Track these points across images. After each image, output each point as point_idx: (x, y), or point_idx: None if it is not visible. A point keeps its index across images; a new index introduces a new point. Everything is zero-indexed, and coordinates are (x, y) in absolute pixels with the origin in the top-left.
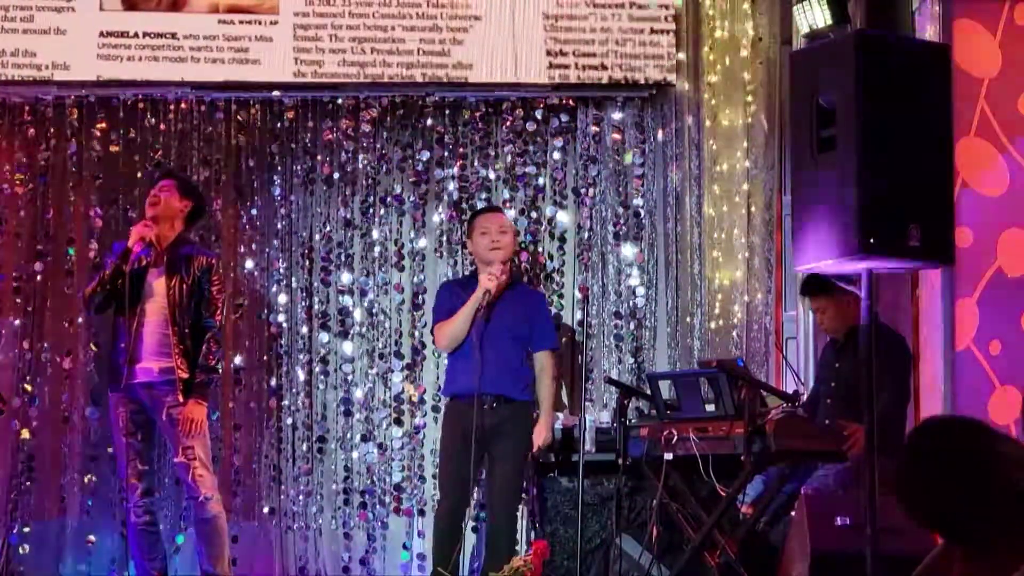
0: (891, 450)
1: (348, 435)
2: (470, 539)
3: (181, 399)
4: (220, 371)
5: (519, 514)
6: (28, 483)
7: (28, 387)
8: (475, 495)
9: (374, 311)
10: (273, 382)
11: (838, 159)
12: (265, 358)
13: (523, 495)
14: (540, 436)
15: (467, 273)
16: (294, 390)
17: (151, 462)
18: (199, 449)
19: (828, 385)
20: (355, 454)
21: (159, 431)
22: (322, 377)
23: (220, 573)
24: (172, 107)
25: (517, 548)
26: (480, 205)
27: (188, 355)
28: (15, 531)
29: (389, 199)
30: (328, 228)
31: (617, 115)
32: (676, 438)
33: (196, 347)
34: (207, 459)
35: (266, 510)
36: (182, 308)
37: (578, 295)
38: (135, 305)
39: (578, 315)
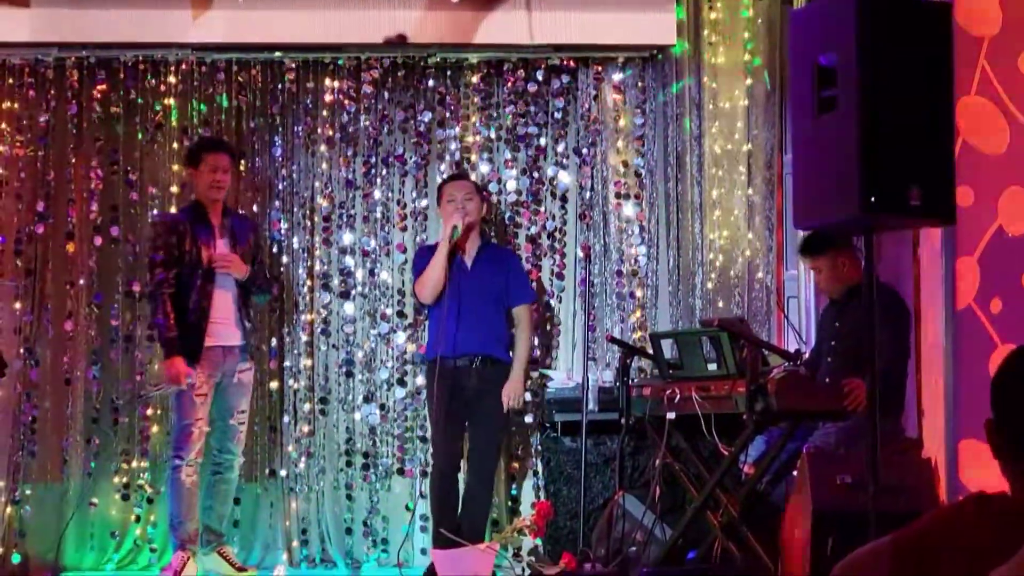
0: (891, 408)
1: (350, 396)
2: None
3: (251, 362)
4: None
5: (495, 476)
6: (31, 445)
7: (29, 349)
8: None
9: (376, 271)
10: (274, 343)
11: (839, 119)
12: (266, 319)
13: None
14: (513, 390)
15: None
16: (296, 351)
17: (212, 423)
18: (248, 414)
19: (829, 344)
20: (357, 415)
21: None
22: (323, 338)
23: (222, 531)
24: (173, 68)
25: (493, 509)
26: (483, 166)
27: (249, 320)
28: (17, 493)
29: (391, 159)
30: (330, 189)
31: (618, 76)
32: (678, 397)
33: (249, 313)
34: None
35: (268, 472)
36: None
37: (580, 254)
38: (208, 273)
39: (580, 274)
